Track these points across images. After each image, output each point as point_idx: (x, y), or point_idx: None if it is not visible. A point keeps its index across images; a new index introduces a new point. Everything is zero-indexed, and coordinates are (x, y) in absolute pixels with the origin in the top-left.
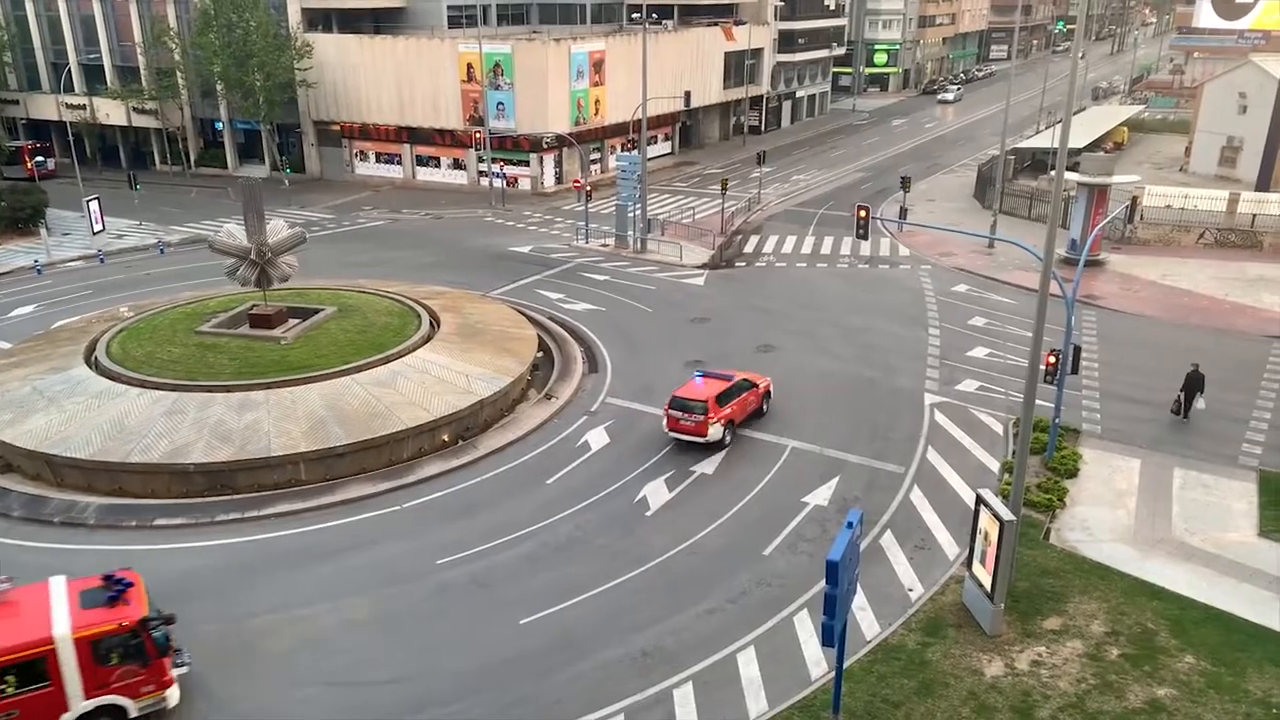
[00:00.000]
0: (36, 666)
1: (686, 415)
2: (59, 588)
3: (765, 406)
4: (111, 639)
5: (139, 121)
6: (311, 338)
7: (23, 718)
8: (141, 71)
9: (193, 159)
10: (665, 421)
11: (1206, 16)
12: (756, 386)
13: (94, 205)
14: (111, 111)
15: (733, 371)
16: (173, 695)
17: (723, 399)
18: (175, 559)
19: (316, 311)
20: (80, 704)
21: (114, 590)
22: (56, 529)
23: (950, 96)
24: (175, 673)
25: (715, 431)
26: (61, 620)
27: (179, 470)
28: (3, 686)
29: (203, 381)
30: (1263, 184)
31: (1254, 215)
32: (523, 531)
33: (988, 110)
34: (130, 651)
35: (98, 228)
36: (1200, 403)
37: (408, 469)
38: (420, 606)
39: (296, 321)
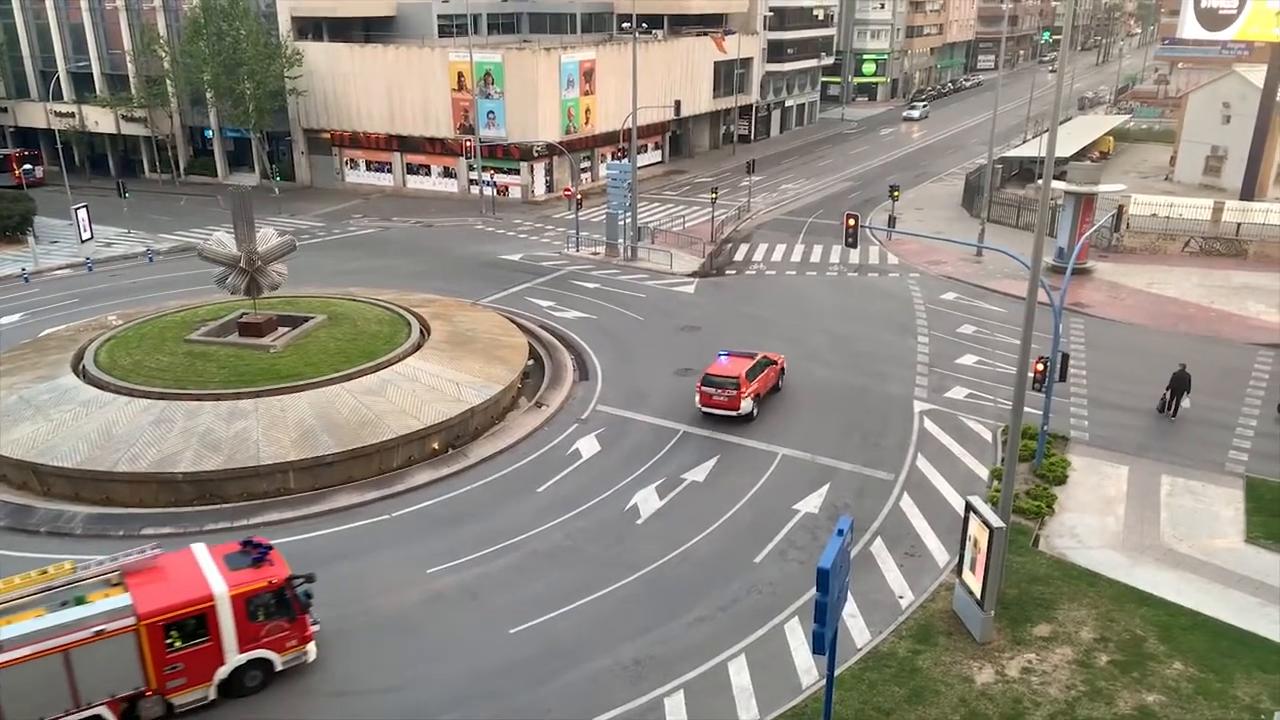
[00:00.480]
0: (198, 623)
1: (720, 391)
2: (203, 553)
3: (781, 383)
4: (261, 596)
5: (128, 129)
6: (301, 346)
7: (185, 671)
8: (131, 79)
9: (182, 167)
10: (698, 398)
11: (1190, 27)
12: (775, 363)
13: (82, 213)
14: (100, 119)
15: (753, 350)
16: (311, 650)
17: (750, 374)
18: None
19: (306, 319)
20: (234, 657)
21: (257, 553)
22: (42, 539)
23: (916, 114)
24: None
25: (746, 405)
26: (217, 580)
27: (167, 479)
28: (169, 641)
29: (191, 390)
30: (1247, 193)
31: (1238, 224)
32: (513, 540)
33: (975, 119)
34: (277, 608)
35: (86, 236)
36: (1186, 402)
37: (397, 477)
38: (410, 616)
39: (286, 329)
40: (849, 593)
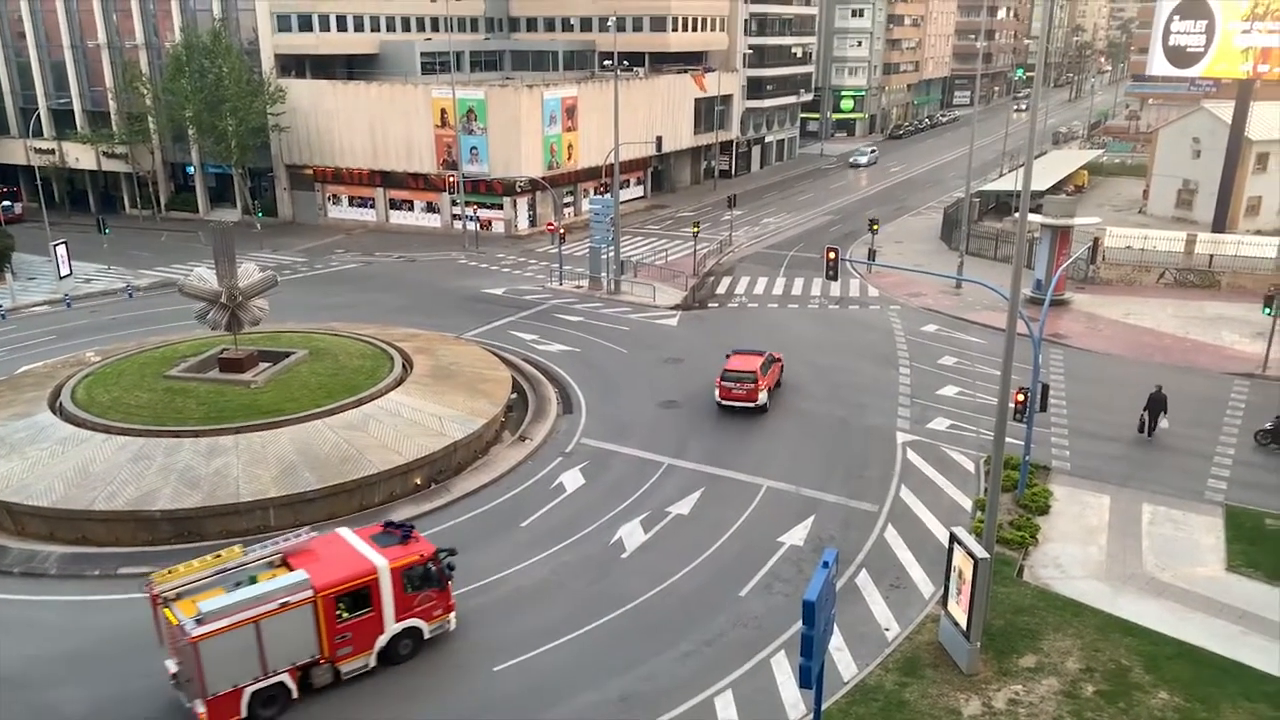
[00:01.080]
0: (363, 594)
1: (739, 385)
2: (350, 535)
3: (780, 379)
4: (415, 569)
5: (109, 166)
6: (282, 381)
7: (352, 640)
8: (112, 116)
9: (163, 203)
10: (718, 393)
11: (1159, 64)
12: (778, 360)
13: (61, 249)
14: (81, 156)
15: (759, 349)
16: (453, 620)
17: (763, 369)
18: (140, 609)
19: (288, 355)
20: (392, 626)
21: (400, 532)
22: (16, 580)
23: (864, 160)
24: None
25: (763, 397)
26: (377, 555)
27: (145, 517)
28: (339, 612)
29: (171, 426)
30: (1218, 225)
31: (1211, 255)
32: (497, 576)
33: (952, 154)
34: (426, 580)
35: (65, 272)
36: (1164, 422)
37: (379, 513)
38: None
39: (267, 365)
40: (835, 626)
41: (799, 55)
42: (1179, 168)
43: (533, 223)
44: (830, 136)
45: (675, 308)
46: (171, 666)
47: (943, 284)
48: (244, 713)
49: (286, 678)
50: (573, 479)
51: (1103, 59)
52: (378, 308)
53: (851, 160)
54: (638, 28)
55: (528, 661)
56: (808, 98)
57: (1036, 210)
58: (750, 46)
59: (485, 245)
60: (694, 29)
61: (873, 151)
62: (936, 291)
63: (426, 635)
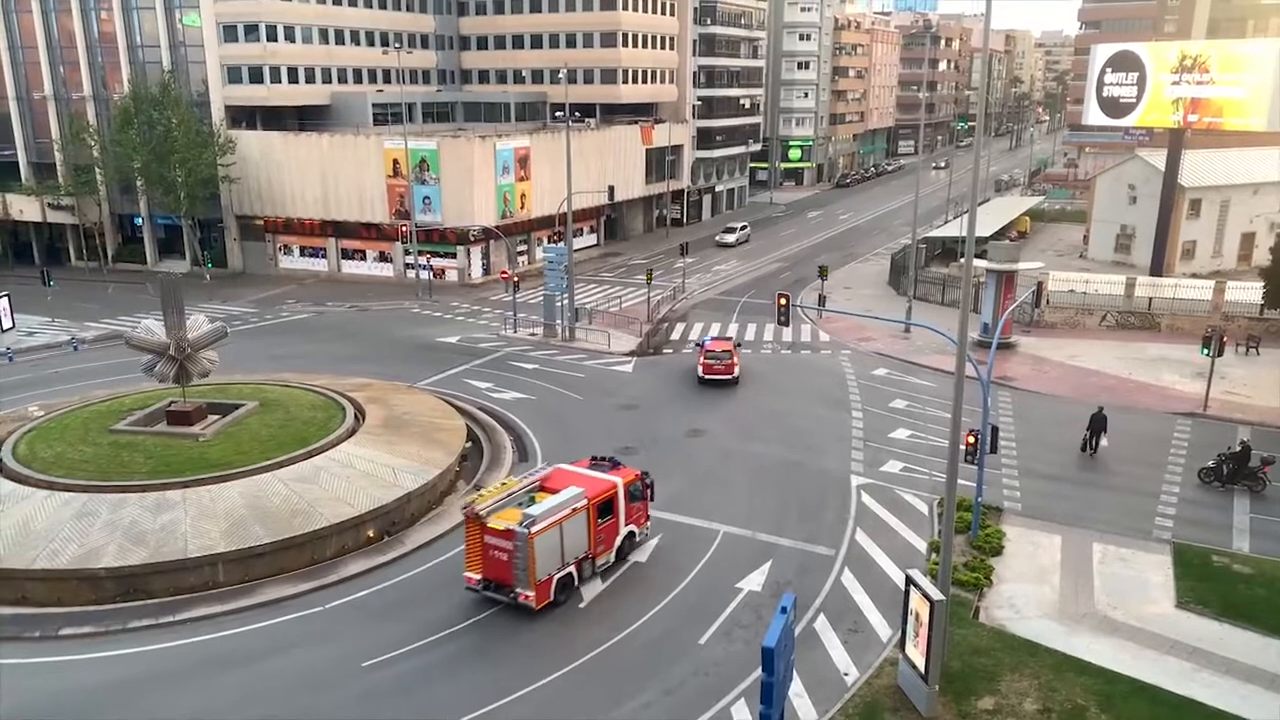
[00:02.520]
0: (608, 504)
1: (719, 361)
2: (572, 467)
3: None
4: (634, 485)
5: (54, 217)
6: (232, 434)
7: (604, 540)
8: (58, 168)
9: (110, 254)
10: (701, 370)
11: (1094, 114)
12: (739, 346)
13: (2, 302)
14: (25, 208)
15: (727, 340)
16: (648, 528)
17: (735, 349)
18: (82, 671)
19: (237, 407)
20: (623, 529)
21: (609, 462)
22: None
23: (731, 239)
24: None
25: (736, 370)
26: (611, 476)
27: (88, 575)
28: (598, 518)
29: (116, 481)
30: (1156, 269)
31: (1150, 298)
32: (452, 629)
33: (898, 202)
34: (637, 494)
35: (6, 325)
36: (1105, 440)
37: (331, 567)
38: (345, 713)
39: (217, 417)
40: (794, 671)
41: (747, 106)
42: (1117, 214)
43: (487, 271)
44: (779, 186)
45: (630, 354)
46: (473, 576)
47: (892, 329)
48: (551, 596)
49: (573, 569)
50: None
51: (1040, 109)
52: (330, 358)
53: (717, 239)
54: (589, 79)
55: (486, 715)
56: (756, 148)
57: (981, 256)
58: (699, 98)
59: (439, 294)
60: (644, 81)
61: (744, 228)
62: (886, 336)
63: (637, 538)
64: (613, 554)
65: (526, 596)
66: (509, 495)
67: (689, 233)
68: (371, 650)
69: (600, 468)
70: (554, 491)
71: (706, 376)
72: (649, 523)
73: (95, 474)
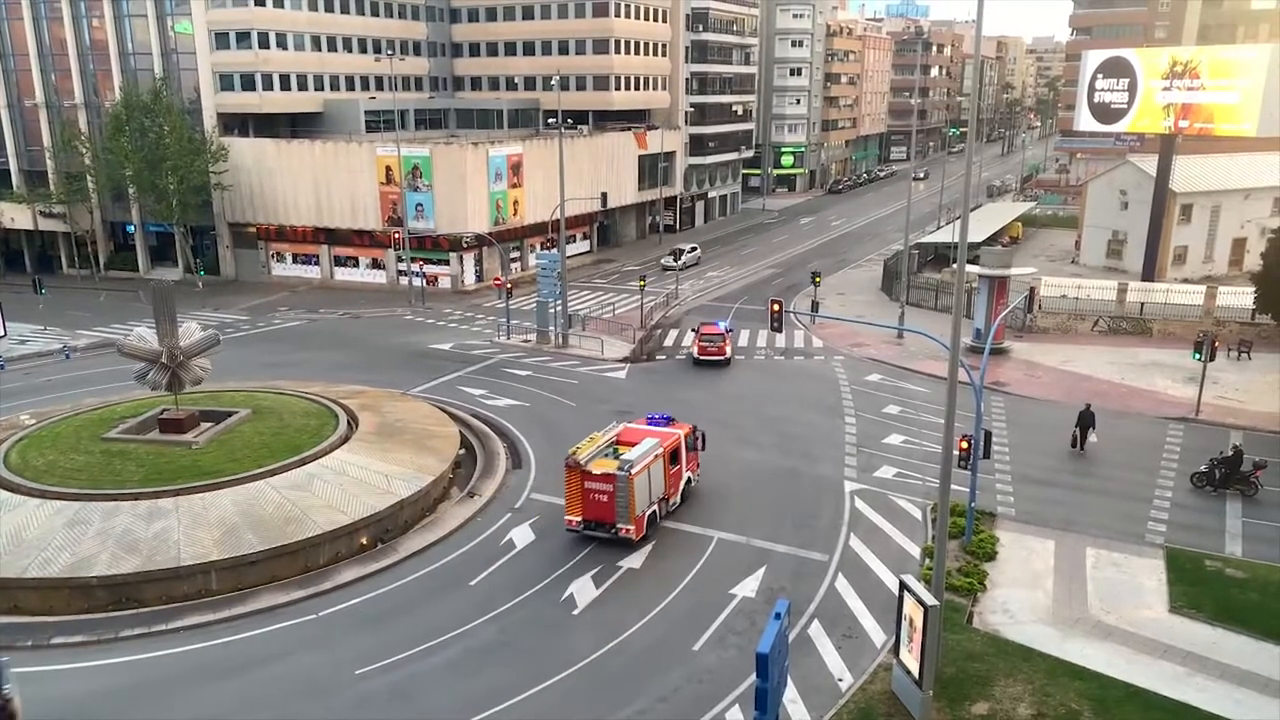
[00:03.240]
0: (676, 452)
1: (712, 343)
2: (636, 425)
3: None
4: (690, 437)
5: (46, 225)
6: (225, 441)
7: (673, 484)
8: (50, 176)
9: (102, 262)
10: (696, 350)
11: (1085, 120)
12: (731, 331)
13: None
14: (16, 216)
15: (717, 325)
16: (699, 474)
17: (727, 333)
18: (74, 680)
19: (230, 414)
20: (685, 475)
21: (663, 417)
22: None
23: (676, 263)
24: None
25: (729, 351)
26: (674, 429)
27: (80, 584)
28: (670, 465)
29: (108, 490)
30: (1148, 274)
31: (1142, 304)
32: (446, 636)
33: (890, 208)
34: (692, 445)
35: None
36: (1093, 436)
37: (324, 575)
38: None
39: (209, 425)
40: (789, 677)
41: (740, 113)
42: (1108, 219)
43: (480, 278)
44: (772, 192)
45: (623, 360)
46: (574, 519)
47: (885, 334)
48: (644, 530)
49: (655, 507)
50: (522, 535)
51: (1032, 115)
52: (322, 365)
53: (663, 261)
54: (581, 86)
55: None
56: (749, 154)
57: (974, 261)
58: (692, 104)
59: (432, 301)
60: (636, 88)
61: (693, 250)
62: (879, 342)
63: (693, 484)
64: (679, 497)
65: (627, 530)
66: (599, 448)
67: (683, 239)
68: (365, 657)
69: (657, 424)
70: (629, 445)
71: (701, 358)
72: (699, 470)
73: (87, 482)
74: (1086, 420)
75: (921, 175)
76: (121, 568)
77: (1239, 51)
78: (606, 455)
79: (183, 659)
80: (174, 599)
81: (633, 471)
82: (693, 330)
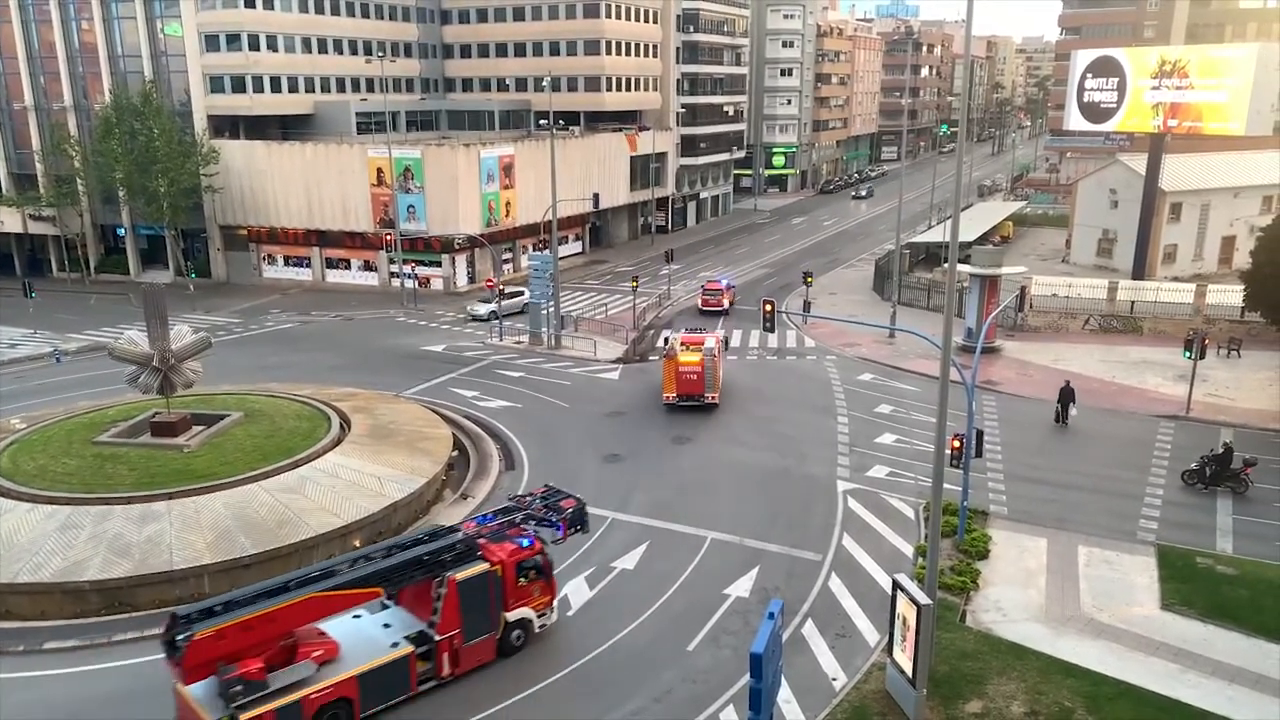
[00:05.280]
0: (717, 351)
1: (714, 298)
2: (684, 333)
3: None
4: (724, 341)
5: (36, 228)
6: (217, 444)
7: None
8: (40, 179)
9: (92, 265)
10: (700, 302)
11: (1075, 120)
12: (734, 287)
13: None
14: (6, 218)
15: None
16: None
17: (727, 289)
18: (67, 684)
19: (222, 417)
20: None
21: (700, 330)
22: None
23: (481, 312)
24: None
25: (726, 304)
26: (711, 335)
27: (73, 589)
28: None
29: (100, 494)
30: (1138, 272)
31: (1132, 302)
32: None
33: (883, 207)
34: (725, 347)
35: None
36: (1074, 410)
37: None
38: None
39: (201, 428)
40: (783, 677)
41: (731, 113)
42: (1098, 218)
43: (472, 279)
44: (763, 192)
45: (616, 361)
46: (670, 395)
47: (877, 334)
48: (719, 400)
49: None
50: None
51: (1022, 115)
52: (315, 367)
53: (470, 311)
54: (573, 87)
55: None
56: (740, 155)
57: (965, 261)
58: (683, 105)
59: (424, 302)
60: (628, 88)
61: (515, 295)
62: (871, 341)
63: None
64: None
65: (713, 397)
66: (672, 348)
67: (675, 239)
68: None
69: (694, 334)
70: (696, 344)
71: (705, 309)
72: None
73: (79, 486)
74: (1067, 396)
75: (864, 194)
76: (114, 572)
77: (1227, 51)
78: (676, 352)
79: None
80: (167, 603)
81: (715, 356)
82: (701, 288)
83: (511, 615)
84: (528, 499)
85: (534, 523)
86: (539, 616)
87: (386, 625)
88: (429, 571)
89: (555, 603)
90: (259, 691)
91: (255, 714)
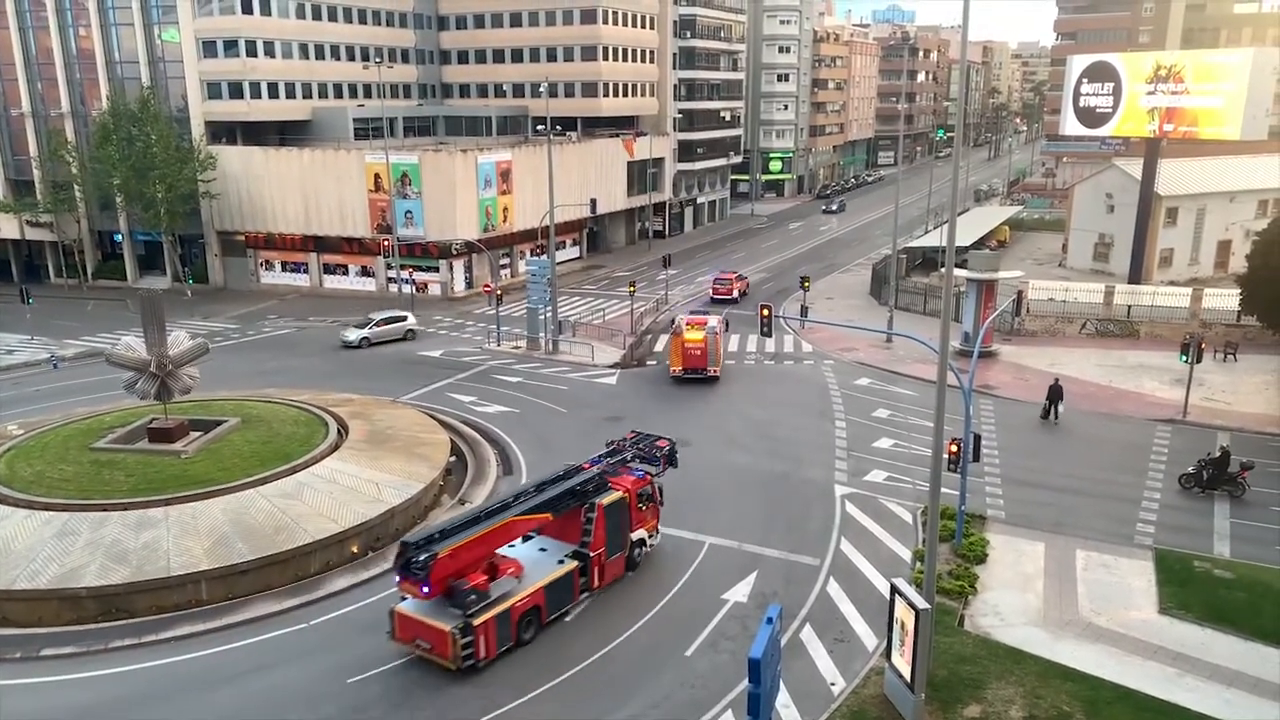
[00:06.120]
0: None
1: (724, 286)
2: (690, 315)
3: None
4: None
5: (33, 234)
6: (214, 450)
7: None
8: (37, 185)
9: (90, 271)
10: (711, 292)
11: (1071, 125)
12: (746, 278)
13: None
14: (3, 225)
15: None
16: None
17: (737, 279)
18: (65, 692)
19: (219, 423)
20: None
21: (704, 312)
22: None
23: (352, 337)
24: None
25: (736, 293)
26: (712, 317)
27: (69, 595)
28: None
29: (97, 500)
30: (1134, 277)
31: (1129, 306)
32: None
33: (880, 212)
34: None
35: None
36: (1061, 407)
37: (316, 583)
38: None
39: (198, 434)
40: (781, 682)
41: (728, 119)
42: (1095, 222)
43: (469, 285)
44: (760, 197)
45: (614, 366)
46: (676, 369)
47: (874, 338)
48: (720, 374)
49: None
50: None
51: (1018, 119)
52: (312, 373)
53: (342, 337)
54: (570, 93)
55: None
56: (737, 160)
57: (962, 265)
58: (680, 111)
59: (421, 308)
60: (625, 94)
61: (397, 320)
62: (868, 346)
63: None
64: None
65: (715, 370)
66: (678, 326)
67: (672, 244)
68: (357, 666)
69: (698, 316)
70: (697, 325)
71: (716, 297)
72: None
73: (76, 493)
74: (1055, 394)
75: (834, 209)
76: (111, 578)
77: (1222, 56)
78: (682, 330)
79: (173, 669)
80: (164, 609)
81: (717, 333)
82: (713, 279)
83: (634, 536)
84: (623, 442)
85: (639, 460)
86: (650, 537)
87: (543, 550)
88: (579, 500)
89: (659, 527)
90: (485, 600)
91: (482, 620)
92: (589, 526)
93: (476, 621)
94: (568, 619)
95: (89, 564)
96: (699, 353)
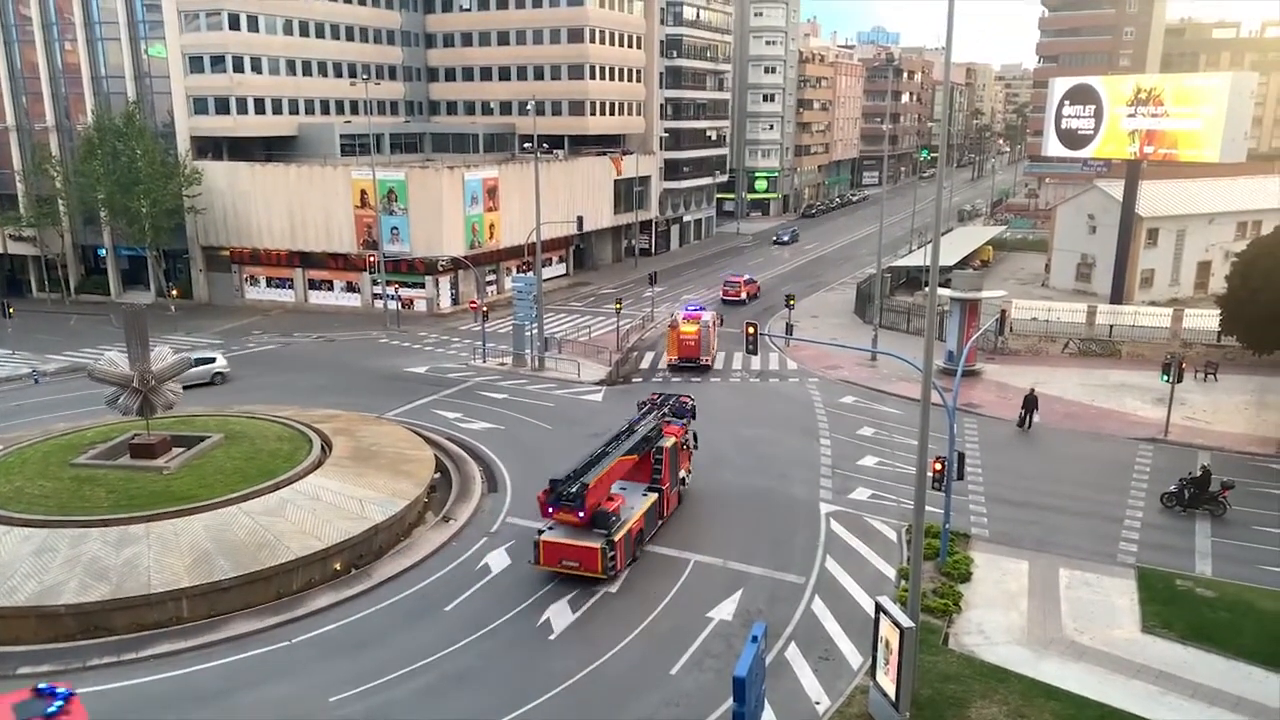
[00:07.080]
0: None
1: (733, 289)
2: (687, 310)
3: (757, 293)
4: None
5: (16, 249)
6: (196, 466)
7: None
8: (20, 199)
9: (73, 286)
10: (721, 292)
11: (1053, 146)
12: (755, 281)
13: None
14: None
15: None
16: None
17: (746, 284)
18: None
19: (202, 439)
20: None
21: (701, 306)
22: None
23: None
24: None
25: (743, 295)
26: (705, 314)
27: (48, 613)
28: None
29: (77, 516)
30: (1116, 297)
31: (1111, 326)
32: (421, 663)
33: (863, 231)
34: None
35: None
36: (1037, 417)
37: (297, 601)
38: None
39: (181, 450)
40: (766, 701)
41: (713, 138)
42: (1077, 243)
43: (455, 301)
44: (746, 216)
45: (600, 383)
46: (672, 359)
47: (858, 357)
48: (714, 364)
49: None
50: (498, 559)
51: (1001, 141)
52: (296, 389)
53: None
54: (557, 111)
55: None
56: (723, 179)
57: (945, 285)
58: (667, 130)
59: (407, 324)
60: (612, 112)
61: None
62: (853, 364)
63: (686, 483)
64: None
65: (708, 360)
66: (675, 320)
67: (659, 262)
68: (339, 684)
69: (693, 311)
70: (692, 319)
71: (725, 298)
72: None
73: (55, 509)
74: (1031, 403)
75: (785, 239)
76: (90, 595)
77: (1201, 80)
78: (678, 324)
79: (154, 688)
80: (144, 627)
81: (710, 327)
82: (724, 281)
83: (682, 474)
84: (653, 402)
85: (673, 414)
86: (688, 475)
87: (622, 488)
88: (650, 445)
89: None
90: (619, 522)
91: (619, 537)
92: (658, 466)
93: (616, 538)
94: (552, 638)
95: (68, 580)
96: (693, 343)
